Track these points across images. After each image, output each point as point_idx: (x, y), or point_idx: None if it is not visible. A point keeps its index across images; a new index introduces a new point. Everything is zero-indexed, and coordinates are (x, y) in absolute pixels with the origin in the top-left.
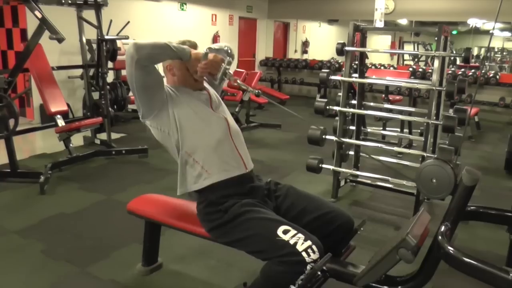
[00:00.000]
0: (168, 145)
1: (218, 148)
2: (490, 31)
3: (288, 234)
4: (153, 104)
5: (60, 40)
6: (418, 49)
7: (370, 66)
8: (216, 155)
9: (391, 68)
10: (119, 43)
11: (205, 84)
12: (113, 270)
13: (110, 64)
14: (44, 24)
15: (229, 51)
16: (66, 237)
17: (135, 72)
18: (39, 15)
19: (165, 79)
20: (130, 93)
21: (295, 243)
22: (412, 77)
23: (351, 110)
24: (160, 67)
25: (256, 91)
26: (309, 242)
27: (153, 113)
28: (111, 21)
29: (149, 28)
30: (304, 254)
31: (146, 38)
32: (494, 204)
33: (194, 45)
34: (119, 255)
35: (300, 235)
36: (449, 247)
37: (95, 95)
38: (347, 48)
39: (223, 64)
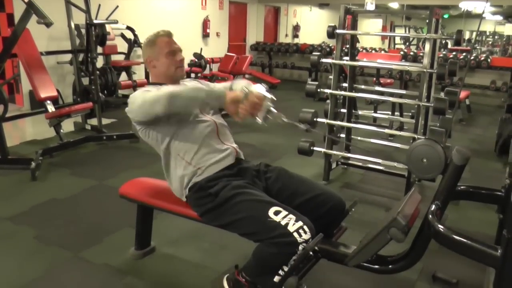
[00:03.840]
0: (154, 146)
1: (207, 147)
2: (482, 14)
3: (279, 215)
4: (152, 126)
5: (48, 24)
6: (409, 32)
7: (361, 50)
8: (207, 154)
9: (382, 51)
10: (108, 27)
11: (190, 81)
12: (106, 255)
13: (99, 49)
14: (31, 8)
15: (266, 87)
16: (59, 223)
17: (155, 116)
18: None
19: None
20: (121, 78)
21: (287, 224)
22: (403, 60)
23: (342, 93)
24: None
25: (306, 126)
26: (300, 223)
27: (149, 127)
28: (99, 5)
29: (138, 12)
30: (295, 234)
31: (135, 23)
32: (484, 186)
33: (168, 34)
34: (112, 240)
35: (291, 216)
36: (439, 226)
37: (85, 81)
38: (338, 31)
39: (265, 102)
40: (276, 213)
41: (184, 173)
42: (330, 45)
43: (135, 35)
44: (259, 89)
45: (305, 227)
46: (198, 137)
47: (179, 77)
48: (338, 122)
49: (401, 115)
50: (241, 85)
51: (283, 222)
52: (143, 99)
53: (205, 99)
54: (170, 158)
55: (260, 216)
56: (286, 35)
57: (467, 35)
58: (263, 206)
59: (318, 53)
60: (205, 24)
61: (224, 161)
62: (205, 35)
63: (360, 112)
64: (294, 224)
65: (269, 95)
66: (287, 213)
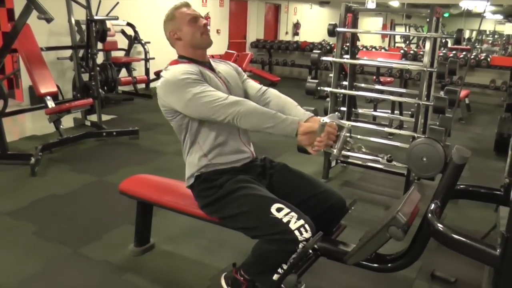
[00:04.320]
0: (175, 128)
1: (226, 144)
2: (482, 14)
3: (281, 212)
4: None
5: (49, 20)
6: (409, 31)
7: (361, 48)
8: (224, 151)
9: (382, 50)
10: (108, 23)
11: (222, 64)
12: (106, 251)
13: (100, 45)
14: (31, 3)
15: (339, 115)
16: (58, 219)
17: (215, 121)
18: None
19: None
20: (121, 75)
21: (288, 222)
22: (403, 59)
23: (343, 91)
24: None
25: (390, 157)
26: (302, 221)
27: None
28: (100, 1)
29: (139, 9)
30: (296, 232)
31: (136, 19)
32: (484, 185)
33: (187, 4)
34: (111, 236)
35: (293, 213)
36: (439, 224)
37: (85, 77)
38: (338, 29)
39: (341, 132)
40: (279, 210)
41: (197, 163)
42: (330, 43)
43: (135, 32)
44: (334, 118)
45: (306, 225)
46: (222, 133)
47: (206, 44)
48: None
49: (401, 114)
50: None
51: (285, 219)
52: (206, 102)
53: (271, 130)
54: (189, 141)
55: (262, 211)
56: (286, 33)
57: (467, 34)
58: (266, 201)
59: (319, 51)
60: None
61: (238, 163)
62: None
63: (360, 111)
64: (296, 222)
65: (346, 125)
66: (289, 210)
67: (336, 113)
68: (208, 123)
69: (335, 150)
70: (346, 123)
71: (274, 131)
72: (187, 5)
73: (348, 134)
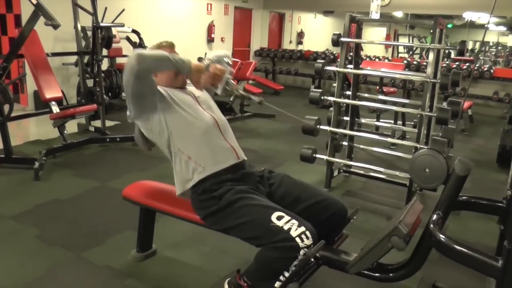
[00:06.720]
0: (158, 143)
1: (208, 142)
2: (485, 25)
3: (282, 220)
4: (145, 109)
5: (56, 26)
6: (413, 41)
7: (364, 58)
8: (207, 148)
9: (386, 60)
10: (114, 30)
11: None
12: (108, 256)
13: (105, 52)
14: (39, 10)
15: (229, 61)
16: (61, 223)
17: (133, 80)
18: (34, 1)
19: None
20: None
21: (289, 229)
22: (406, 70)
23: (346, 101)
24: None
25: (259, 99)
26: (302, 228)
27: (144, 116)
28: (106, 8)
29: (144, 16)
30: (298, 239)
31: (141, 26)
32: (486, 197)
33: (171, 45)
34: (114, 241)
35: (294, 221)
36: (441, 235)
37: (89, 82)
38: (343, 39)
39: (225, 74)
40: (279, 218)
41: (185, 169)
42: (334, 52)
43: (140, 39)
44: (221, 61)
45: (307, 232)
46: (198, 131)
47: (179, 85)
48: (341, 130)
49: (404, 124)
50: (214, 54)
51: (285, 227)
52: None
53: (171, 58)
54: (172, 155)
55: (263, 220)
56: (290, 42)
57: (470, 45)
58: (266, 210)
59: (323, 61)
60: (210, 29)
61: (227, 161)
62: (210, 40)
63: (362, 120)
64: (296, 229)
65: (228, 68)
66: (289, 218)
67: (225, 57)
68: (177, 126)
69: (218, 89)
70: (229, 68)
71: (172, 67)
72: (171, 46)
73: (229, 76)
